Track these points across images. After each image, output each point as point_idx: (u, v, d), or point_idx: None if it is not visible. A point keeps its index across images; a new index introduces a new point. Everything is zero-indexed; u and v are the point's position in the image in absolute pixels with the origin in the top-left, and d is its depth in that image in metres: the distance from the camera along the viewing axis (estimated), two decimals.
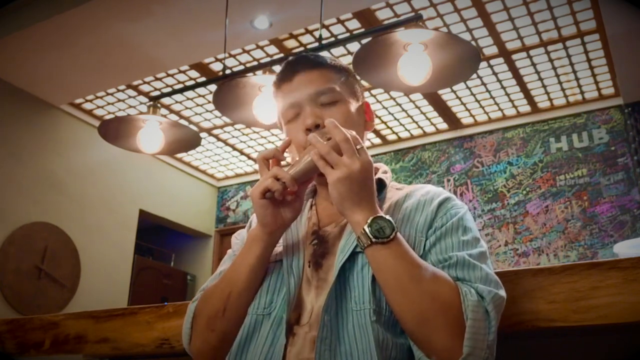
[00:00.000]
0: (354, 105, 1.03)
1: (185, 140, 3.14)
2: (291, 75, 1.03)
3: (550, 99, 4.82)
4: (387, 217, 0.85)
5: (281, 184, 0.90)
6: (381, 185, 1.00)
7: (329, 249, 0.95)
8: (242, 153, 5.85)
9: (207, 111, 5.01)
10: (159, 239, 6.13)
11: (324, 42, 2.65)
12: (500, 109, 4.99)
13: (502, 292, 0.84)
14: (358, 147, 0.86)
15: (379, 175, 1.02)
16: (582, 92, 4.70)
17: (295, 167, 0.92)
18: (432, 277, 0.83)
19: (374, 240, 0.83)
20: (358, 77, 1.11)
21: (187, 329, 0.99)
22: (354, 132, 0.88)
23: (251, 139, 5.57)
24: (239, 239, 1.10)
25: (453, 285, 0.82)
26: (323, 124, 0.96)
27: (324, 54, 1.11)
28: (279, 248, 0.98)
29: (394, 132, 5.40)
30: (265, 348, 0.88)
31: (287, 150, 0.98)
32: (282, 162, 0.97)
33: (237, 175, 6.33)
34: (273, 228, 0.93)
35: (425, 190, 1.00)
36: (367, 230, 0.83)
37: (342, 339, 0.84)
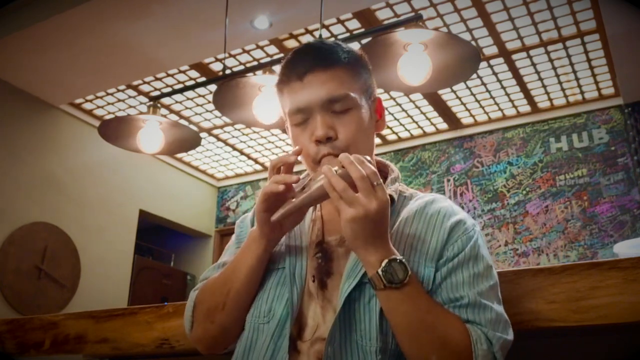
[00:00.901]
0: (367, 108, 0.97)
1: (185, 140, 3.14)
2: (301, 74, 0.94)
3: (550, 99, 4.81)
4: (401, 258, 0.82)
5: (288, 189, 0.87)
6: (391, 201, 0.94)
7: (333, 268, 0.92)
8: (242, 153, 5.85)
9: (207, 111, 5.01)
10: (159, 239, 6.13)
11: None
12: (500, 109, 4.99)
13: (510, 335, 0.85)
14: (376, 183, 0.81)
15: (388, 188, 0.96)
16: (582, 92, 4.70)
17: (304, 194, 0.87)
18: (443, 322, 0.82)
19: (387, 285, 0.81)
20: (370, 67, 1.03)
21: (188, 315, 0.99)
22: (372, 167, 0.82)
23: (251, 139, 5.56)
24: (242, 227, 1.08)
25: (464, 332, 0.82)
26: (335, 135, 0.92)
27: (335, 48, 1.00)
28: (280, 253, 0.97)
29: (394, 132, 5.40)
30: (265, 359, 0.87)
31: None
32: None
33: (237, 175, 6.33)
34: (271, 236, 0.92)
35: (435, 208, 0.94)
36: (380, 274, 0.81)
37: None
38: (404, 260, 0.82)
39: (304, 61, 0.95)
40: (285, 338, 0.87)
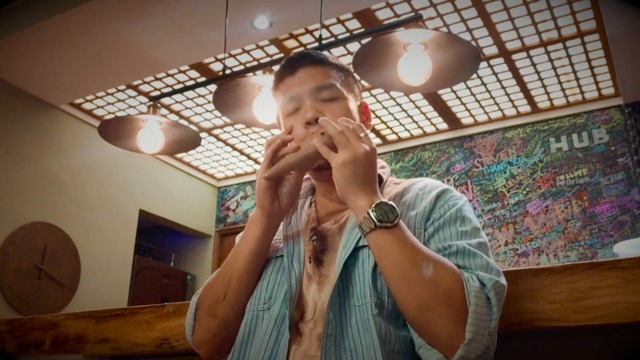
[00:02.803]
0: (353, 104, 1.04)
1: (185, 140, 3.14)
2: (293, 70, 1.03)
3: (550, 99, 4.82)
4: (391, 202, 0.85)
5: (284, 144, 0.96)
6: (379, 180, 0.99)
7: (328, 245, 0.95)
8: (242, 153, 5.85)
9: (207, 111, 5.02)
10: (159, 239, 6.13)
11: (324, 42, 2.65)
12: (500, 109, 4.99)
13: (503, 280, 0.84)
14: (362, 134, 0.88)
15: (377, 170, 1.02)
16: (582, 92, 4.70)
17: (298, 153, 0.94)
18: (434, 263, 0.82)
19: (377, 224, 0.83)
20: (358, 78, 1.13)
21: (190, 320, 1.00)
22: (357, 122, 0.91)
23: (251, 139, 5.57)
24: None
25: (456, 272, 0.81)
26: None
27: (325, 54, 1.11)
28: (279, 244, 0.99)
29: (394, 132, 5.41)
30: (269, 345, 0.88)
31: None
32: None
33: (237, 175, 6.34)
34: (270, 211, 0.96)
35: (423, 183, 1.00)
36: (371, 214, 0.83)
37: (347, 335, 0.84)
38: (393, 204, 0.85)
39: (297, 60, 1.04)
40: (285, 321, 0.88)
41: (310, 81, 1.01)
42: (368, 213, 0.83)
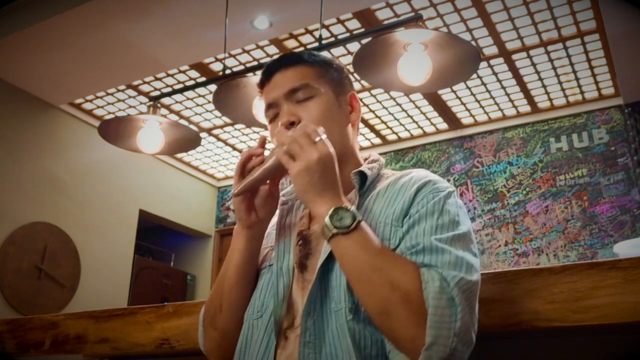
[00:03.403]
0: (332, 98, 1.01)
1: (185, 140, 3.14)
2: (269, 76, 1.04)
3: (550, 99, 4.82)
4: (349, 207, 0.84)
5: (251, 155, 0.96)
6: (362, 177, 0.97)
7: (312, 249, 0.94)
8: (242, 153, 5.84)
9: (207, 111, 5.01)
10: (159, 239, 6.13)
11: (324, 42, 2.65)
12: (500, 109, 4.99)
13: (472, 276, 0.80)
14: (317, 139, 0.86)
15: (363, 167, 0.99)
16: (582, 92, 4.70)
17: (264, 166, 0.94)
18: (393, 265, 0.80)
19: (334, 231, 0.82)
20: (346, 69, 1.09)
21: (200, 330, 1.03)
22: (313, 126, 0.88)
23: (251, 139, 5.57)
24: None
25: (415, 273, 0.79)
26: (299, 120, 0.97)
27: (324, 54, 1.11)
28: (272, 251, 1.00)
29: (394, 132, 5.40)
30: (260, 353, 0.89)
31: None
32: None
33: None
34: (248, 223, 0.96)
35: (409, 175, 0.97)
36: (327, 221, 0.82)
37: (327, 340, 0.84)
38: (351, 208, 0.83)
39: (272, 65, 1.05)
40: (272, 329, 0.89)
41: (285, 84, 1.00)
42: (325, 221, 0.83)
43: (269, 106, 1.02)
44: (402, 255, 0.84)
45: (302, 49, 4.05)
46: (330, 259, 0.87)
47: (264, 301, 0.93)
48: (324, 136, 0.88)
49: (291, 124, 0.96)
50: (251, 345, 0.91)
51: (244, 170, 0.96)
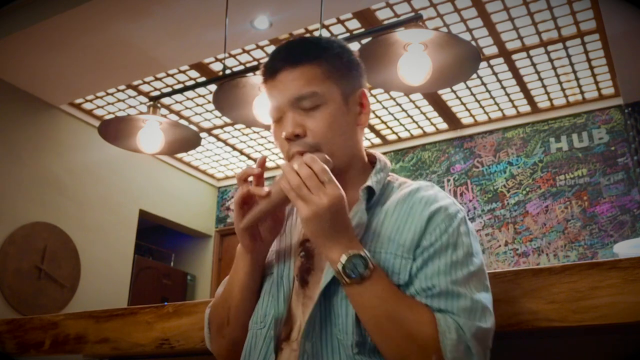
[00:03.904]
0: (341, 103, 0.96)
1: (185, 140, 3.14)
2: (273, 73, 0.97)
3: (550, 99, 4.81)
4: (363, 253, 0.82)
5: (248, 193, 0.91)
6: (370, 193, 0.94)
7: (315, 264, 0.93)
8: (242, 153, 5.85)
9: (207, 111, 5.01)
10: (159, 239, 6.12)
11: None
12: (500, 109, 4.99)
13: (487, 323, 0.81)
14: (326, 179, 0.82)
15: (372, 181, 0.95)
16: (582, 92, 4.70)
17: (269, 199, 0.90)
18: (409, 315, 0.80)
19: (347, 280, 0.81)
20: (357, 59, 1.03)
21: (206, 332, 1.04)
22: (320, 164, 0.83)
23: (251, 139, 5.57)
24: None
25: (431, 324, 0.79)
26: (304, 132, 0.93)
27: (309, 43, 1.02)
28: (273, 257, 0.99)
29: (394, 132, 5.40)
30: None
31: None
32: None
33: None
34: (253, 248, 0.94)
35: (418, 196, 0.92)
36: (340, 270, 0.81)
37: None
38: (364, 254, 0.81)
39: (276, 60, 0.97)
40: (272, 340, 0.89)
41: (290, 88, 0.94)
42: (338, 268, 0.81)
43: (273, 108, 0.97)
44: (417, 296, 0.83)
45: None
46: (335, 280, 0.85)
47: (266, 311, 0.93)
48: (329, 177, 0.83)
49: (296, 136, 0.93)
50: (253, 354, 0.91)
51: (244, 203, 0.92)
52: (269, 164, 6.10)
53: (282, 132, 0.95)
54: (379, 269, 0.83)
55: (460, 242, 0.86)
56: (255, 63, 4.23)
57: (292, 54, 0.97)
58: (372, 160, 1.03)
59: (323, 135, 0.92)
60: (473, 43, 3.84)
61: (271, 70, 0.97)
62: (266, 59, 1.01)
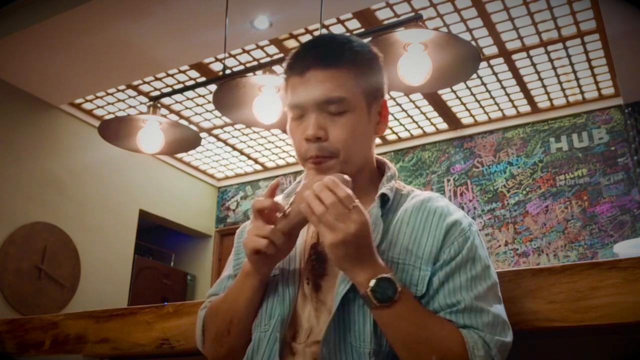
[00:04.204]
0: (365, 112, 0.95)
1: (185, 140, 3.14)
2: (302, 70, 0.93)
3: (550, 99, 4.81)
4: (389, 276, 0.82)
5: (273, 245, 0.88)
6: (384, 200, 0.95)
7: (328, 270, 0.93)
8: (242, 153, 5.85)
9: (207, 111, 5.01)
10: (159, 239, 6.13)
11: None
12: (500, 109, 4.99)
13: (509, 337, 0.85)
14: (351, 206, 0.81)
15: (385, 188, 0.95)
16: (582, 92, 4.70)
17: (287, 220, 0.89)
18: (438, 335, 0.82)
19: (377, 304, 0.81)
20: (381, 67, 1.00)
21: (199, 334, 1.02)
22: (344, 190, 0.82)
23: (251, 139, 5.57)
24: (241, 238, 1.07)
25: (460, 342, 0.82)
26: (326, 136, 0.92)
27: (342, 46, 0.97)
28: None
29: (394, 132, 5.40)
30: None
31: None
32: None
33: (237, 175, 6.33)
34: (265, 270, 0.93)
35: (432, 207, 0.94)
36: (369, 294, 0.81)
37: None
38: (391, 277, 0.82)
39: (307, 57, 0.95)
40: (276, 345, 0.88)
41: (318, 89, 0.91)
42: (367, 292, 0.81)
43: (296, 105, 0.94)
44: (440, 312, 0.85)
45: None
46: (351, 290, 0.86)
47: (272, 312, 0.93)
48: (355, 203, 0.82)
49: (317, 139, 0.91)
50: (258, 357, 0.91)
51: (262, 212, 0.90)
52: (269, 164, 6.12)
53: (301, 131, 0.93)
54: (406, 290, 0.84)
55: (477, 256, 0.89)
56: (255, 63, 4.23)
57: (325, 53, 0.94)
58: (380, 166, 1.04)
59: (344, 143, 0.92)
60: (473, 43, 3.84)
61: (300, 67, 0.94)
62: (296, 52, 0.98)
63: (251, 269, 0.93)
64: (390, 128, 5.31)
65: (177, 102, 4.85)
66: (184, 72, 4.40)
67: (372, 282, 0.81)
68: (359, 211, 0.82)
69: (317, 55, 0.94)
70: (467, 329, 0.83)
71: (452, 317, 0.85)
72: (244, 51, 4.14)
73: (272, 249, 0.88)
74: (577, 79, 4.50)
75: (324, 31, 3.79)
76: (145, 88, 4.64)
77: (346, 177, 0.86)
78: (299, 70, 0.94)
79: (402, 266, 0.88)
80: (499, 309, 0.86)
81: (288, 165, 6.05)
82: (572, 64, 4.29)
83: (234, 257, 1.07)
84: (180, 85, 4.52)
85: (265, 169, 6.16)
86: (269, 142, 5.60)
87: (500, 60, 4.24)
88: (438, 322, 0.84)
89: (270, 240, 0.87)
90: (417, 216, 0.93)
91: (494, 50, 4.13)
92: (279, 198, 0.98)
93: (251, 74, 2.76)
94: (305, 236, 0.98)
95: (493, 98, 4.79)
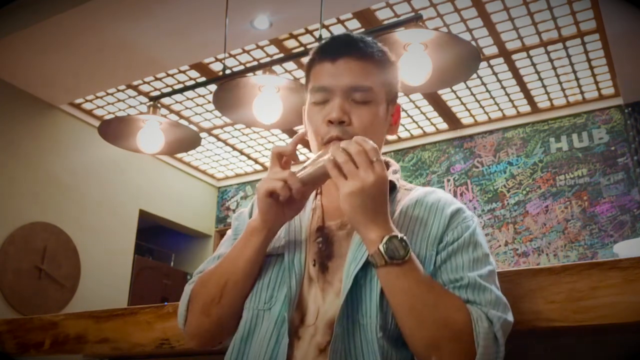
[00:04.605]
0: (384, 108, 0.99)
1: (185, 140, 3.14)
2: (334, 57, 0.97)
3: (550, 99, 4.82)
4: (402, 235, 0.83)
5: (288, 189, 0.89)
6: (392, 187, 0.96)
7: (335, 251, 0.93)
8: (242, 153, 5.85)
9: (207, 111, 5.01)
10: (159, 239, 6.13)
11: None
12: (500, 109, 4.99)
13: (510, 317, 0.85)
14: (375, 159, 0.83)
15: (390, 176, 0.96)
16: (582, 92, 4.70)
17: (306, 170, 0.90)
18: (445, 302, 0.83)
19: (388, 261, 0.81)
20: (398, 73, 1.07)
21: (182, 310, 0.99)
22: (372, 143, 0.84)
23: (251, 139, 5.57)
24: (240, 220, 1.08)
25: (465, 311, 0.82)
26: (349, 121, 0.94)
27: (373, 45, 1.03)
28: (281, 241, 0.97)
29: None
30: (270, 346, 0.87)
31: (298, 141, 0.97)
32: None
33: (237, 175, 6.33)
34: (274, 224, 0.93)
35: (435, 197, 0.97)
36: (382, 250, 0.81)
37: (351, 352, 0.84)
38: (404, 237, 0.83)
39: (342, 46, 0.98)
40: (285, 324, 0.87)
41: (348, 76, 0.95)
42: (379, 248, 0.81)
43: (321, 88, 0.96)
44: (444, 287, 0.86)
45: (302, 49, 4.04)
46: (360, 269, 0.87)
47: (273, 293, 0.92)
48: (379, 157, 0.84)
49: (340, 123, 0.93)
50: (255, 336, 0.90)
51: (281, 160, 0.93)
52: (269, 164, 6.09)
53: (324, 114, 0.95)
54: (414, 256, 0.84)
55: (478, 243, 0.91)
56: (255, 63, 4.23)
57: (358, 45, 0.98)
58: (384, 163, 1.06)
59: (365, 130, 0.93)
60: (473, 43, 3.83)
61: (332, 53, 0.97)
62: (328, 40, 1.02)
63: (256, 226, 0.93)
64: None
65: (177, 102, 4.86)
66: (184, 72, 4.40)
67: (385, 238, 0.81)
68: (382, 165, 0.84)
69: (350, 45, 0.98)
70: (469, 304, 0.84)
71: (456, 292, 0.85)
72: (244, 51, 4.14)
73: (287, 192, 0.88)
74: (577, 79, 4.50)
75: (324, 31, 3.80)
76: (145, 88, 4.64)
77: (371, 143, 0.87)
78: (332, 55, 0.97)
79: (412, 246, 0.89)
80: (500, 293, 0.87)
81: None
82: (572, 64, 4.29)
83: (232, 237, 1.05)
84: (180, 85, 4.52)
85: (265, 169, 6.16)
86: (269, 142, 5.60)
87: (500, 60, 4.24)
88: (444, 290, 0.85)
89: (287, 184, 0.88)
90: (421, 204, 0.95)
91: (494, 50, 4.13)
92: None
93: (251, 74, 2.76)
94: (310, 221, 0.98)
95: (493, 98, 4.79)
